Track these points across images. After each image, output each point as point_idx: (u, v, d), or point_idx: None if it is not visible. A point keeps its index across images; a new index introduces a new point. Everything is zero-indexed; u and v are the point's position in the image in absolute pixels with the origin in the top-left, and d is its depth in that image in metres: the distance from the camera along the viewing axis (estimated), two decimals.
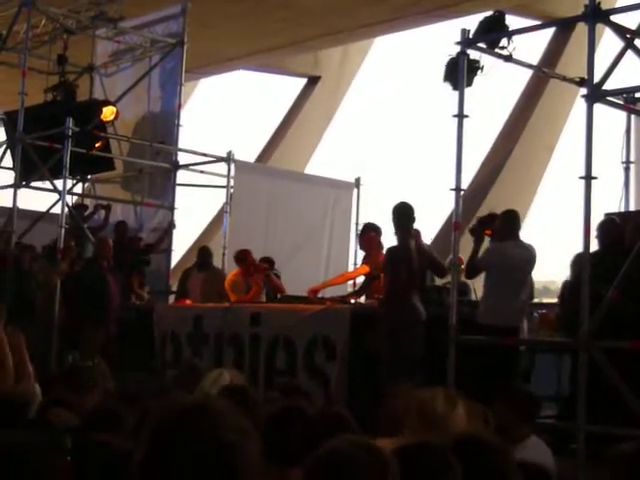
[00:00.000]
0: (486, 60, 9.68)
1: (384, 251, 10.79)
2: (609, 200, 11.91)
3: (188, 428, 2.19)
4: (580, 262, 8.92)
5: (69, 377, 7.41)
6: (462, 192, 9.72)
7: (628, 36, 8.76)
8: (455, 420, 3.85)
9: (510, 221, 10.13)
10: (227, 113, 33.05)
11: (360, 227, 13.07)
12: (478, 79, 9.65)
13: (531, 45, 22.76)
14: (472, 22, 9.83)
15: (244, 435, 2.22)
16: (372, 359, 9.99)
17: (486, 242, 10.30)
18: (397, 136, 30.26)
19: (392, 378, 9.16)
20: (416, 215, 10.16)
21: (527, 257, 10.03)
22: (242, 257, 13.08)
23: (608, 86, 8.92)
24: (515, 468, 3.41)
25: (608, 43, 9.14)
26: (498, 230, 10.10)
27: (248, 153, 25.79)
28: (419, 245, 10.26)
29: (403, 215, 10.14)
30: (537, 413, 6.95)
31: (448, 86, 9.71)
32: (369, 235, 11.76)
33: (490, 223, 10.27)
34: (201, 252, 14.67)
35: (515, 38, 9.56)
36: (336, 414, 4.56)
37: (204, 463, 2.14)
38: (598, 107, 8.89)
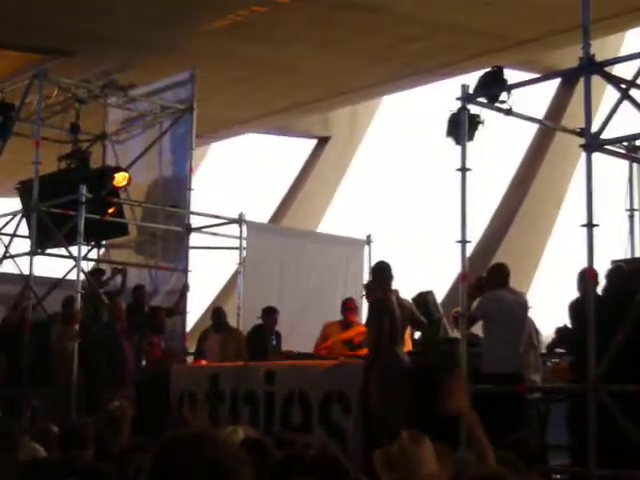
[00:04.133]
0: (494, 115, 9.90)
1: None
2: (616, 248, 12.04)
3: (189, 454, 2.34)
4: (577, 308, 9.06)
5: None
6: (470, 244, 9.95)
7: (623, 86, 8.94)
8: (422, 458, 3.95)
9: (499, 271, 10.41)
10: (239, 176, 33.21)
11: None
12: (487, 133, 9.86)
13: (540, 99, 23.02)
14: (476, 78, 10.07)
15: (239, 462, 2.38)
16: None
17: None
18: (407, 192, 30.40)
19: (384, 430, 9.29)
20: (393, 272, 10.79)
21: (521, 301, 10.24)
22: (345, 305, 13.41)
23: (611, 135, 9.12)
24: None
25: (613, 93, 9.28)
26: (489, 282, 10.32)
27: (262, 215, 25.99)
28: (399, 300, 10.71)
29: (381, 272, 10.87)
30: (539, 458, 6.99)
31: (451, 141, 9.93)
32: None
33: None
34: (215, 313, 14.76)
35: (520, 92, 9.76)
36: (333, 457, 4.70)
37: None
38: (601, 157, 9.07)
